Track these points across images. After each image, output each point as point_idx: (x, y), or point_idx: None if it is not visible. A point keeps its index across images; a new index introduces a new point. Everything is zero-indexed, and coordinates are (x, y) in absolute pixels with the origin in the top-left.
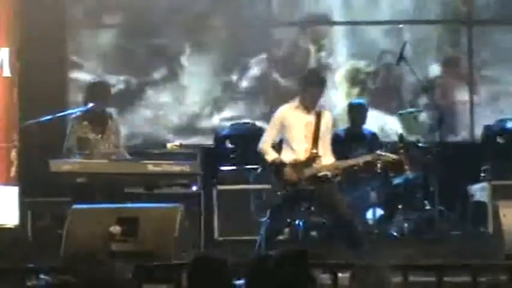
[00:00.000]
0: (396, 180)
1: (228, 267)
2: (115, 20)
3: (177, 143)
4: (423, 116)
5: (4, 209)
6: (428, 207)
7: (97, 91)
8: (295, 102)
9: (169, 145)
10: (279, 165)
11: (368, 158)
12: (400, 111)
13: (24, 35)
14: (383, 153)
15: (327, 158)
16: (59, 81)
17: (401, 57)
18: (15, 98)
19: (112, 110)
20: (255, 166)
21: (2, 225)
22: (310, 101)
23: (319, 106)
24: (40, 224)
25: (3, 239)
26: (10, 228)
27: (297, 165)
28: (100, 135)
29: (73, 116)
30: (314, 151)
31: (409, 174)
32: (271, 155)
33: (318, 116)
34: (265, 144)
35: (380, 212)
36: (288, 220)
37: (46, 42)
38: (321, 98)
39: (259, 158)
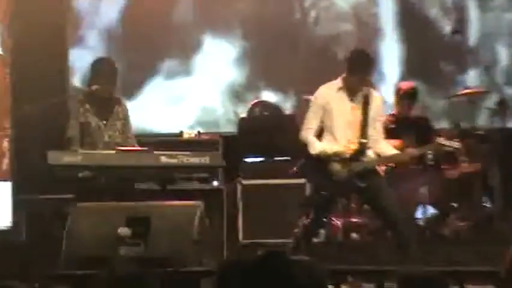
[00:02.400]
0: (451, 174)
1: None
2: None
3: (195, 131)
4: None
5: None
6: (487, 205)
7: (102, 70)
8: (338, 82)
9: (185, 133)
10: (324, 159)
11: (429, 148)
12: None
13: (17, 7)
14: (446, 142)
15: (382, 145)
16: (57, 59)
17: (456, 30)
18: (7, 80)
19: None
20: (286, 157)
21: None
22: (357, 85)
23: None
24: (37, 225)
25: None
26: (2, 230)
27: (344, 159)
28: (103, 122)
29: (76, 99)
30: (363, 141)
31: (466, 166)
32: (315, 146)
33: (366, 99)
34: (307, 133)
35: (431, 210)
36: (325, 220)
37: (42, 15)
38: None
39: (292, 148)
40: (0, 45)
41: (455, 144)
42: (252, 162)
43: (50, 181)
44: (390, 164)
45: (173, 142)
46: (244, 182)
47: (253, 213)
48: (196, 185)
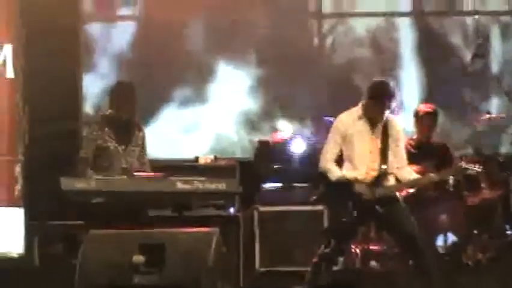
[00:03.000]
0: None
1: None
2: (132, 12)
3: (211, 156)
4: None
5: (7, 235)
6: (509, 232)
7: (122, 93)
8: (358, 110)
9: (201, 159)
10: (345, 185)
11: (451, 172)
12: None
13: (31, 29)
14: (468, 166)
15: (405, 171)
16: (70, 85)
17: (476, 55)
18: (20, 104)
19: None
20: (304, 184)
21: (5, 253)
22: (376, 114)
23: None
24: (49, 251)
25: (6, 269)
26: (14, 257)
27: (366, 184)
28: (123, 147)
29: (94, 120)
30: (383, 167)
31: (487, 193)
32: (335, 173)
33: (385, 127)
34: (327, 161)
35: (452, 237)
36: (344, 248)
37: (55, 38)
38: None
39: (309, 174)
40: (12, 68)
41: (477, 168)
42: (269, 189)
43: (63, 207)
44: (410, 190)
45: (189, 168)
46: (261, 208)
47: (271, 241)
48: (212, 212)
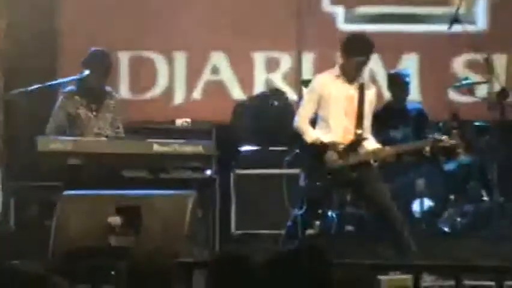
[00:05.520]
0: (448, 166)
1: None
2: None
3: (188, 118)
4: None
5: None
6: (485, 199)
7: (95, 61)
8: (335, 70)
9: (178, 121)
10: (319, 148)
11: (423, 144)
12: (456, 84)
13: None
14: (441, 137)
15: (369, 141)
16: (48, 46)
17: (455, 19)
18: None
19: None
20: (282, 147)
21: None
22: (353, 71)
23: (362, 77)
24: (25, 213)
25: None
26: None
27: (340, 148)
28: (93, 113)
29: (64, 89)
30: (359, 132)
31: (463, 158)
32: (311, 134)
33: (362, 90)
34: (302, 121)
35: (428, 203)
36: (320, 211)
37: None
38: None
39: (288, 137)
40: None
41: (453, 141)
42: (246, 152)
43: (39, 168)
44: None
45: (166, 130)
46: (238, 171)
47: (247, 204)
48: (188, 174)
